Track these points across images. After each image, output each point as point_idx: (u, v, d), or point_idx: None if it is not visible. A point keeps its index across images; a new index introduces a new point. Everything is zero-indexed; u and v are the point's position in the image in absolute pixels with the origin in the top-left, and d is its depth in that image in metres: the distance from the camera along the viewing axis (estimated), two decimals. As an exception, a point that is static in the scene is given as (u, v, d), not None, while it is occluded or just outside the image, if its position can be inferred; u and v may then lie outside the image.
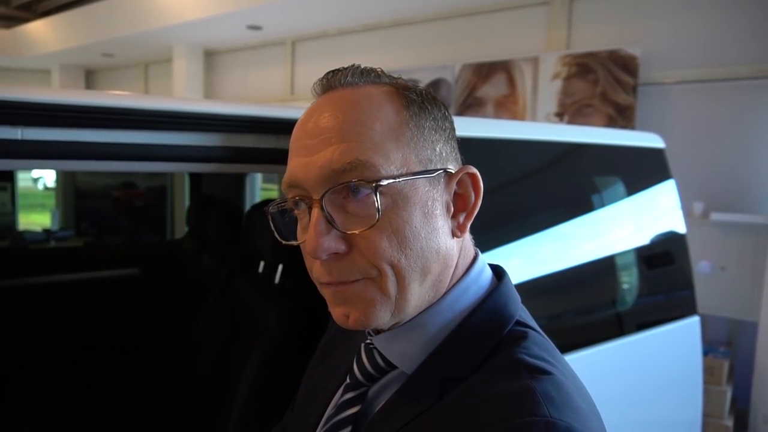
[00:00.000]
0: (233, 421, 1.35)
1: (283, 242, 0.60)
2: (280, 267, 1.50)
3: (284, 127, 1.21)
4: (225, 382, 1.51)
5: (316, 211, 0.55)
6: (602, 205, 1.63)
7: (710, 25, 3.48)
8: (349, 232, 0.54)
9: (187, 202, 3.54)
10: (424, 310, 0.59)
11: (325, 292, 0.59)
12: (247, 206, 2.45)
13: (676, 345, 1.70)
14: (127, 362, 2.07)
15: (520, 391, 0.51)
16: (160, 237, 4.03)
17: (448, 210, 0.59)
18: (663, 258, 1.76)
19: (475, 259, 0.64)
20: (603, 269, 1.58)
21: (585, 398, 0.55)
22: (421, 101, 0.59)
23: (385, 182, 0.53)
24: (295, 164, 0.57)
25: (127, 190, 4.44)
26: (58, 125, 0.98)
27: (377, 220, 0.53)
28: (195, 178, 2.57)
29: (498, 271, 0.66)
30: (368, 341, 0.63)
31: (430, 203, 0.56)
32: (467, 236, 0.63)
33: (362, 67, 0.60)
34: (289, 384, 1.35)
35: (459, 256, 0.61)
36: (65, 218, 4.29)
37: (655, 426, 1.66)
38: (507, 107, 4.27)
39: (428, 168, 0.57)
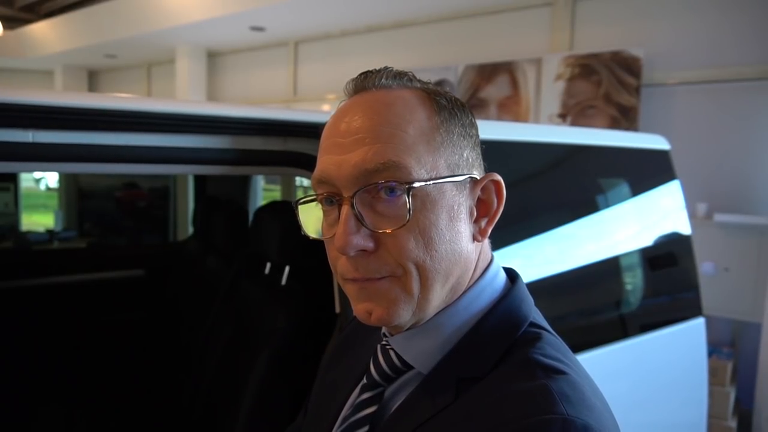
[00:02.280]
0: (241, 423, 1.35)
1: (311, 237, 0.62)
2: (287, 268, 1.50)
3: (291, 129, 1.21)
4: (232, 384, 1.51)
5: (346, 209, 0.56)
6: (608, 206, 1.63)
7: (713, 27, 3.48)
8: (379, 231, 0.56)
9: (190, 203, 3.55)
10: (441, 312, 0.60)
11: (349, 289, 0.60)
12: (251, 207, 2.45)
13: (681, 347, 1.70)
14: (132, 364, 2.07)
15: (536, 389, 0.51)
16: (163, 238, 4.03)
17: (471, 215, 0.60)
18: (668, 259, 1.76)
19: (490, 262, 0.65)
20: (609, 271, 1.59)
21: (599, 397, 0.56)
22: (451, 107, 0.60)
23: (416, 184, 0.55)
24: (326, 161, 0.58)
25: (130, 190, 4.44)
26: (69, 128, 0.99)
27: (407, 221, 0.55)
28: (200, 179, 2.57)
29: (512, 274, 0.67)
30: (384, 342, 0.64)
31: (455, 207, 0.58)
32: (486, 240, 0.64)
33: (395, 70, 0.61)
34: (297, 385, 1.35)
35: (478, 260, 0.63)
36: (68, 219, 4.29)
37: (661, 427, 1.66)
38: (510, 108, 4.27)
39: (455, 173, 0.59)
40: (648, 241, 1.71)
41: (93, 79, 9.23)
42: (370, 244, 0.56)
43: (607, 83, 3.76)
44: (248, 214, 2.16)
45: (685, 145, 3.42)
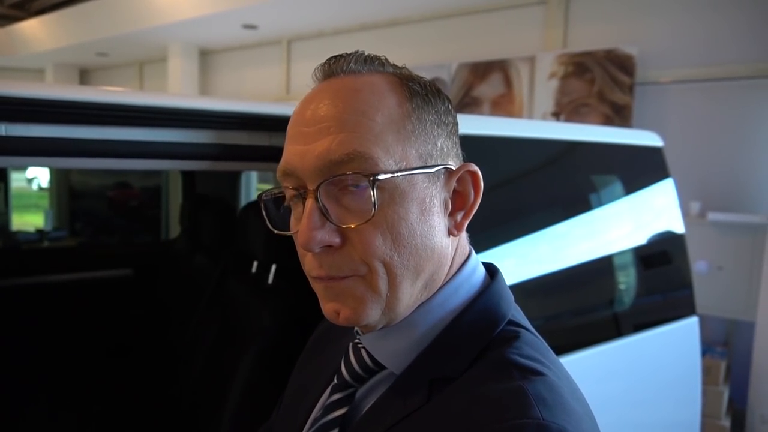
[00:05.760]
0: (226, 421, 1.33)
1: (276, 232, 0.58)
2: (274, 267, 1.47)
3: (277, 123, 1.19)
4: (218, 382, 1.49)
5: (310, 202, 0.53)
6: (600, 204, 1.61)
7: (707, 25, 3.47)
8: (344, 226, 0.53)
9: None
10: (414, 309, 0.57)
11: (316, 287, 0.57)
12: (242, 205, 2.43)
13: (675, 346, 1.69)
14: (120, 363, 2.05)
15: (511, 391, 0.49)
16: (155, 237, 4.00)
17: (445, 208, 0.57)
18: (662, 258, 1.75)
19: (468, 257, 0.62)
20: (601, 269, 1.57)
21: (579, 400, 0.53)
22: (424, 93, 0.57)
23: (382, 176, 0.52)
24: (290, 152, 0.55)
25: (122, 189, 4.41)
26: (45, 121, 0.96)
27: (372, 215, 0.52)
28: (188, 177, 2.54)
29: (491, 270, 0.64)
30: (356, 341, 0.62)
31: (427, 200, 0.55)
32: (463, 234, 0.61)
33: (366, 54, 0.58)
34: (283, 384, 1.33)
35: (454, 255, 0.60)
36: (59, 218, 4.25)
37: (654, 427, 1.65)
38: (503, 106, 4.25)
39: (428, 163, 0.55)
40: (641, 239, 1.70)
41: (84, 78, 9.16)
42: (336, 240, 0.53)
43: (601, 81, 3.75)
44: (237, 212, 2.14)
45: (678, 144, 3.41)
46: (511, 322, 0.58)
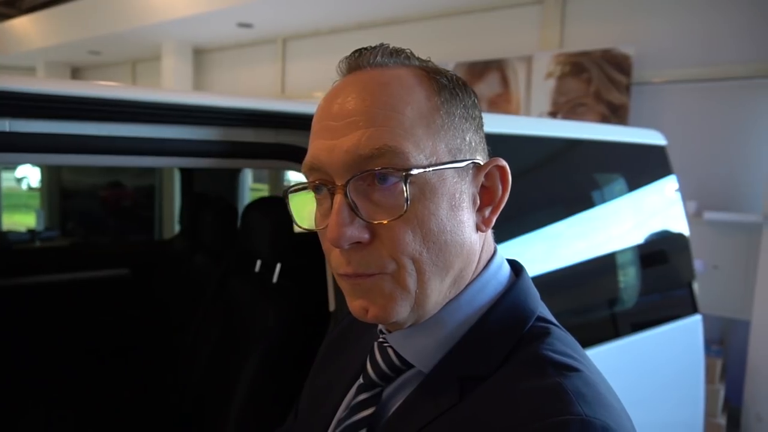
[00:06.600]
0: (231, 423, 1.31)
1: (301, 228, 0.58)
2: (278, 266, 1.46)
3: (283, 121, 1.17)
4: (222, 384, 1.47)
5: (339, 198, 0.52)
6: (605, 202, 1.61)
7: (703, 25, 3.49)
8: (374, 222, 0.52)
9: (176, 202, 3.49)
10: (442, 306, 0.57)
11: (343, 284, 0.56)
12: (238, 205, 2.41)
13: (679, 344, 1.69)
14: (118, 364, 2.02)
15: (549, 388, 0.48)
16: (148, 237, 3.96)
17: (474, 203, 0.56)
18: (666, 256, 1.75)
19: (494, 253, 0.61)
20: (606, 267, 1.56)
21: (614, 395, 0.53)
22: (452, 87, 0.56)
23: (415, 171, 0.51)
24: (317, 146, 0.54)
25: (115, 189, 4.37)
26: (49, 117, 0.94)
27: (405, 211, 0.51)
28: (186, 176, 2.51)
29: (515, 266, 0.63)
30: (381, 339, 0.61)
31: (457, 195, 0.54)
32: (489, 231, 0.60)
33: (391, 47, 0.57)
34: (289, 385, 1.31)
35: (482, 251, 0.59)
36: (50, 218, 4.21)
37: (658, 426, 1.65)
38: (500, 106, 4.26)
39: (457, 158, 0.54)
40: (646, 238, 1.70)
41: (76, 76, 9.08)
42: (365, 236, 0.52)
43: (597, 81, 3.76)
44: (237, 211, 2.12)
45: (674, 143, 3.41)
46: (540, 318, 0.58)
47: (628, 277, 1.62)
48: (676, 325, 1.67)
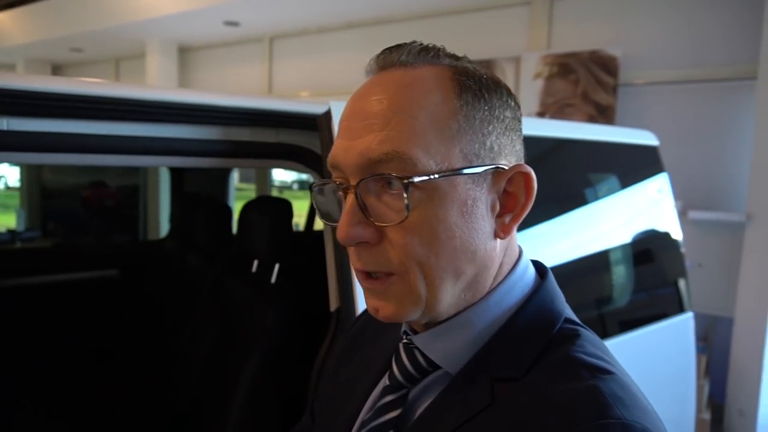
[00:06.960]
0: (232, 425, 1.30)
1: (325, 223, 0.59)
2: (277, 266, 1.45)
3: (283, 120, 1.17)
4: (220, 385, 1.45)
5: (350, 198, 0.53)
6: (598, 201, 1.62)
7: (690, 27, 3.55)
8: (381, 225, 0.52)
9: (162, 202, 3.44)
10: (469, 308, 0.56)
11: (361, 283, 0.57)
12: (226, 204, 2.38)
13: (671, 342, 1.71)
14: (111, 366, 1.99)
15: (585, 391, 0.48)
16: (133, 237, 3.90)
17: (493, 209, 0.55)
18: (658, 254, 1.77)
19: (519, 256, 0.61)
20: (601, 266, 1.58)
21: (646, 398, 0.53)
22: (477, 88, 0.55)
23: (417, 179, 0.51)
24: (337, 146, 0.55)
25: (97, 189, 4.29)
26: (47, 115, 0.92)
27: (405, 218, 0.51)
28: (176, 175, 2.48)
29: (540, 268, 0.63)
30: (407, 341, 0.60)
31: (470, 202, 0.53)
32: (513, 234, 0.59)
33: (421, 45, 0.56)
34: (290, 386, 1.30)
35: (503, 257, 0.58)
36: (31, 218, 4.12)
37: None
38: (489, 106, 4.28)
39: (474, 163, 0.53)
40: (639, 236, 1.72)
41: (57, 74, 8.90)
42: (372, 236, 0.53)
43: (585, 82, 3.81)
44: (231, 211, 2.10)
45: (660, 144, 3.48)
46: (568, 320, 0.57)
47: (623, 275, 1.64)
48: (669, 323, 1.70)
